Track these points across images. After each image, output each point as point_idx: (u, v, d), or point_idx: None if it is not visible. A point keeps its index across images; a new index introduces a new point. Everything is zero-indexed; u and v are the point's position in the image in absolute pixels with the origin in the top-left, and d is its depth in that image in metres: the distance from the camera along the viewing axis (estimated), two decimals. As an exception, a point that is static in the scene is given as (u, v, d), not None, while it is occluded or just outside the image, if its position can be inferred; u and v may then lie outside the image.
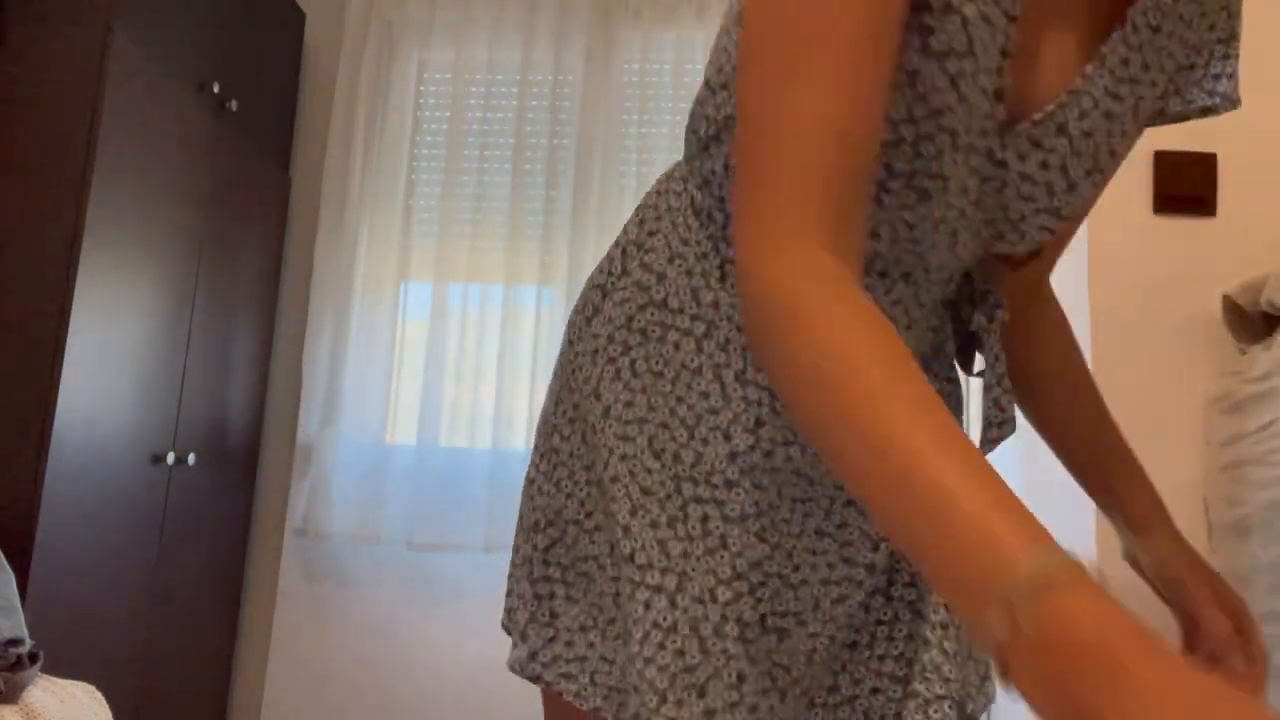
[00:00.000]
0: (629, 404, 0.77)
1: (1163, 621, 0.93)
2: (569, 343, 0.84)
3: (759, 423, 0.73)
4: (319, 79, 3.15)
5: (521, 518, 0.87)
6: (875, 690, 0.77)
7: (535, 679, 0.81)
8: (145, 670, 2.34)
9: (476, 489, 2.75)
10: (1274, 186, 1.53)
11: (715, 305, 0.74)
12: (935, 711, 0.73)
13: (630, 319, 0.78)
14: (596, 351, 0.80)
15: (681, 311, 0.76)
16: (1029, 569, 0.42)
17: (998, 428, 0.78)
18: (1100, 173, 0.70)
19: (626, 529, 0.74)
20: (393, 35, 3.06)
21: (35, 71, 2.13)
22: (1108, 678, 0.39)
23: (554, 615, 0.82)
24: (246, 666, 2.86)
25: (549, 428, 0.85)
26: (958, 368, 0.85)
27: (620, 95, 2.85)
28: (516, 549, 0.86)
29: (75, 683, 1.59)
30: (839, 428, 0.50)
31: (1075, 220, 0.87)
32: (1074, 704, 0.40)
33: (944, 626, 0.76)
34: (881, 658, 0.78)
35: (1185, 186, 1.53)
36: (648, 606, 0.72)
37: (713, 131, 0.74)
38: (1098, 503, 0.92)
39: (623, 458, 0.76)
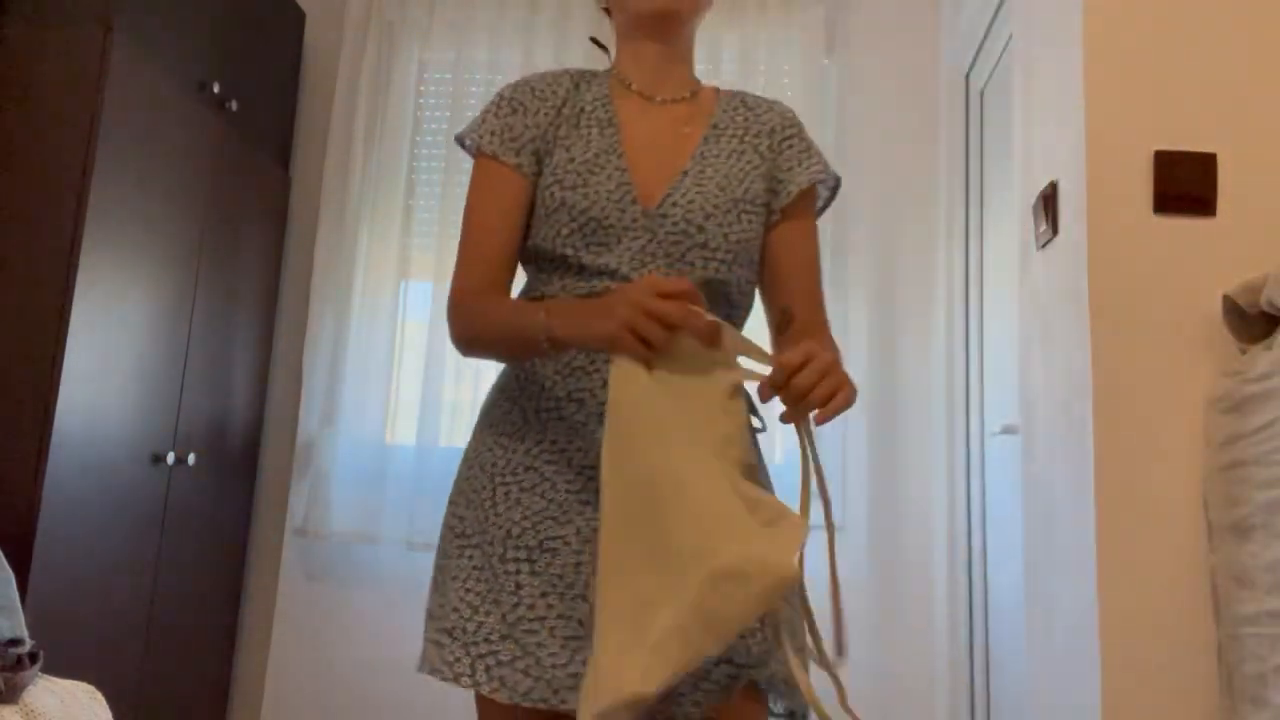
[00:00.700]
0: (477, 437, 1.27)
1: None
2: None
3: (538, 438, 1.19)
4: (319, 79, 3.15)
5: None
6: None
7: None
8: (145, 670, 2.34)
9: (476, 489, 2.75)
10: (1274, 186, 1.53)
11: (518, 374, 1.25)
12: None
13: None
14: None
15: (508, 377, 1.28)
16: (543, 311, 1.09)
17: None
18: (721, 216, 1.21)
19: (461, 518, 1.22)
20: (393, 35, 3.06)
21: (35, 71, 2.13)
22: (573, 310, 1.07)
23: None
24: (246, 666, 2.86)
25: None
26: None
27: (620, 95, 2.85)
28: None
29: (75, 683, 1.59)
30: (492, 329, 1.17)
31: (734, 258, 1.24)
32: (578, 321, 1.05)
33: None
34: None
35: (1185, 186, 1.53)
36: (469, 558, 1.18)
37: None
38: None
39: (465, 474, 1.26)
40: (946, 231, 2.79)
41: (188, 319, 2.48)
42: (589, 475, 1.15)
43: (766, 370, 1.01)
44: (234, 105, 2.66)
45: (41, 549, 1.97)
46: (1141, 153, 1.55)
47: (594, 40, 1.51)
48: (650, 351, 1.00)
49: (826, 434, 2.80)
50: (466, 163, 2.93)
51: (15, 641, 1.56)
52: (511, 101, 1.27)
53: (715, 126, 1.27)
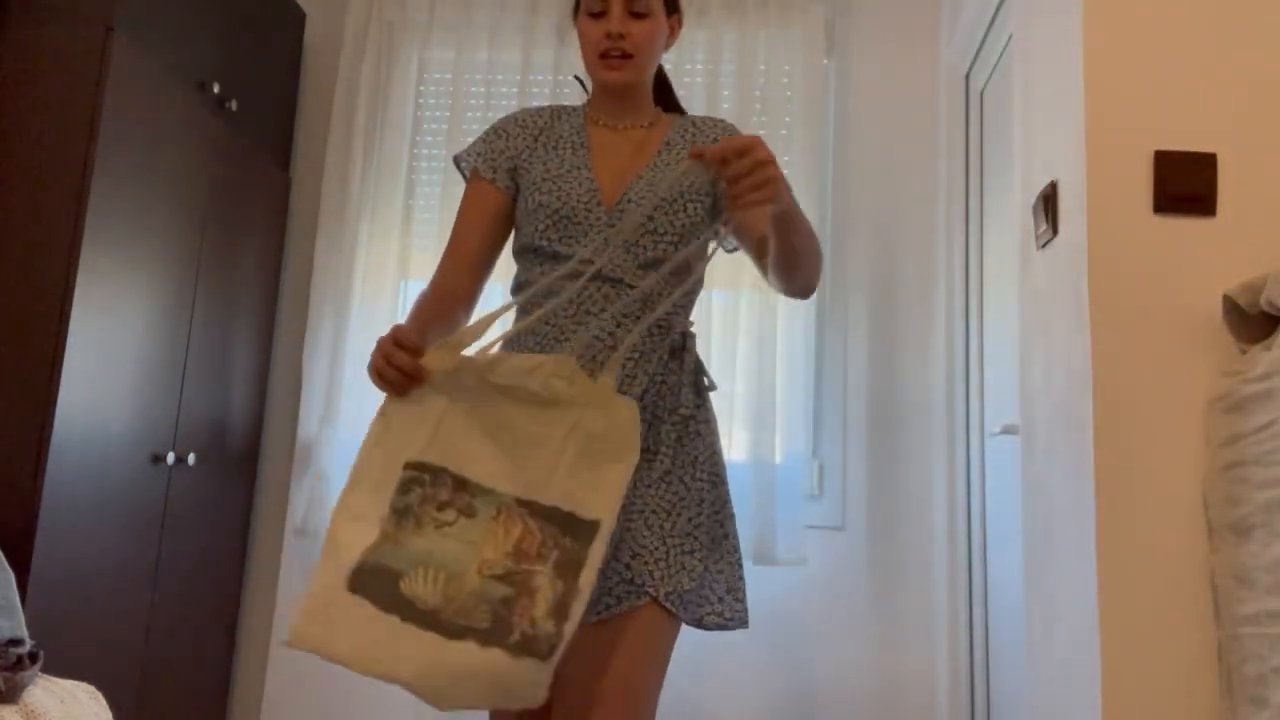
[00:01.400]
0: None
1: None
2: None
3: None
4: (319, 79, 3.15)
5: None
6: None
7: None
8: (145, 670, 2.34)
9: (476, 489, 2.75)
10: (1274, 186, 1.53)
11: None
12: None
13: None
14: None
15: None
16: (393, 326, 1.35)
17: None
18: (668, 207, 1.49)
19: None
20: (393, 35, 3.06)
21: (35, 71, 2.13)
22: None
23: None
24: (246, 666, 2.86)
25: None
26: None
27: (620, 95, 2.85)
28: None
29: (75, 683, 1.58)
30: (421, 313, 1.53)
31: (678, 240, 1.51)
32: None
33: None
34: None
35: (1185, 186, 1.53)
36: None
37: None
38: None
39: None
40: (946, 231, 2.78)
41: (188, 319, 2.48)
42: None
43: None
44: (234, 105, 2.66)
45: (41, 549, 1.97)
46: (1141, 153, 1.55)
47: (578, 79, 1.81)
48: (393, 390, 1.29)
49: (827, 434, 2.80)
50: (466, 163, 2.93)
51: (15, 641, 1.56)
52: (497, 130, 1.60)
53: (668, 143, 1.57)
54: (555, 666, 1.13)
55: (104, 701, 1.59)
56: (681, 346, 1.49)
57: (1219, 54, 1.57)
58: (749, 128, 2.82)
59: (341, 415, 2.82)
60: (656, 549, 1.39)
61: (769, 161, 1.23)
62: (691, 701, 2.67)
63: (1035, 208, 1.80)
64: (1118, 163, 1.55)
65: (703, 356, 1.68)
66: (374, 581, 1.17)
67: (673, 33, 1.61)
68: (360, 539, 1.20)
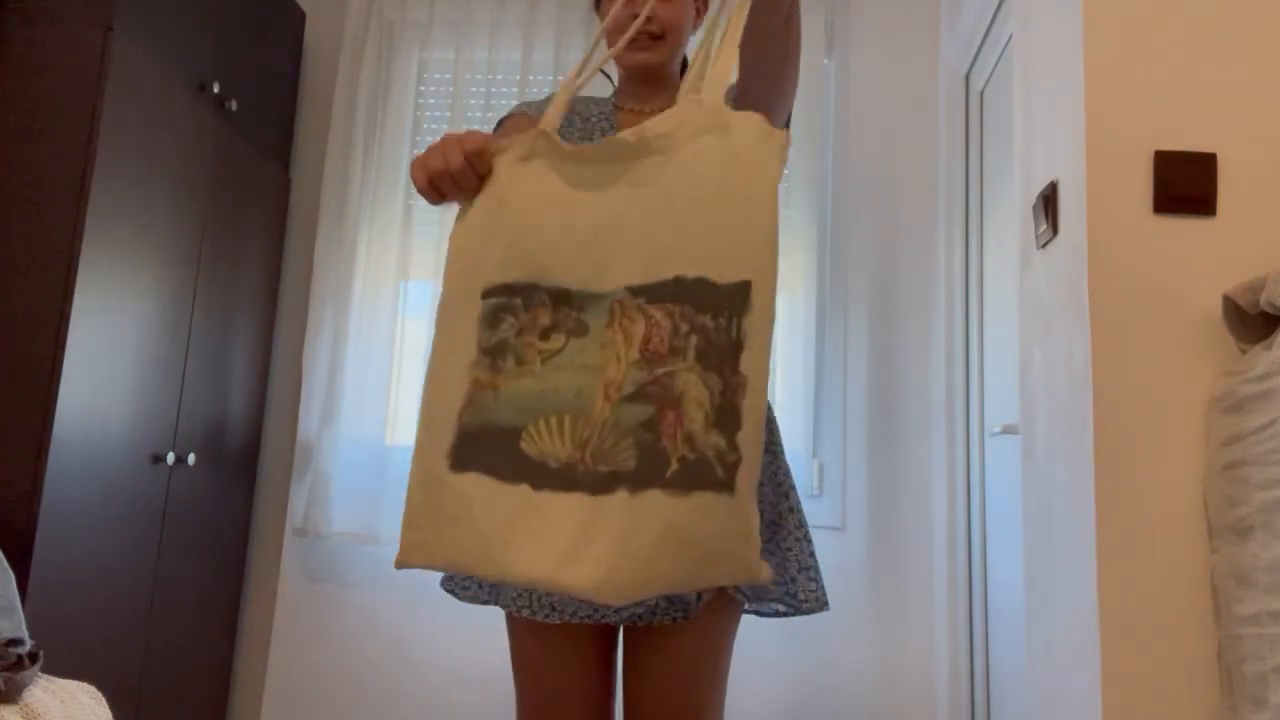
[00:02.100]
0: None
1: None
2: None
3: None
4: (319, 79, 3.15)
5: None
6: None
7: None
8: (145, 670, 2.34)
9: (476, 489, 2.75)
10: (1274, 186, 1.53)
11: None
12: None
13: None
14: None
15: None
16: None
17: None
18: None
19: None
20: (393, 35, 3.06)
21: (35, 72, 2.13)
22: None
23: None
24: (246, 666, 2.86)
25: None
26: None
27: (620, 95, 2.85)
28: None
29: (75, 683, 1.58)
30: None
31: None
32: None
33: None
34: None
35: (1185, 186, 1.53)
36: None
37: None
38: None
39: None
40: (946, 232, 2.78)
41: (188, 319, 2.48)
42: None
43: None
44: (234, 105, 2.66)
45: (41, 549, 1.97)
46: (1141, 153, 1.55)
47: (603, 72, 1.84)
48: (452, 192, 1.01)
49: (827, 434, 2.80)
50: (466, 163, 2.93)
51: (15, 641, 1.56)
52: (509, 119, 1.53)
53: None
54: (754, 506, 0.84)
55: (104, 702, 1.59)
56: None
57: (1219, 54, 1.57)
58: (749, 128, 2.81)
59: (341, 415, 2.82)
60: None
61: None
62: (691, 701, 2.67)
63: (1035, 208, 1.80)
64: (1118, 163, 1.55)
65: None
66: (485, 449, 0.90)
67: (699, 14, 1.57)
68: (452, 401, 0.93)
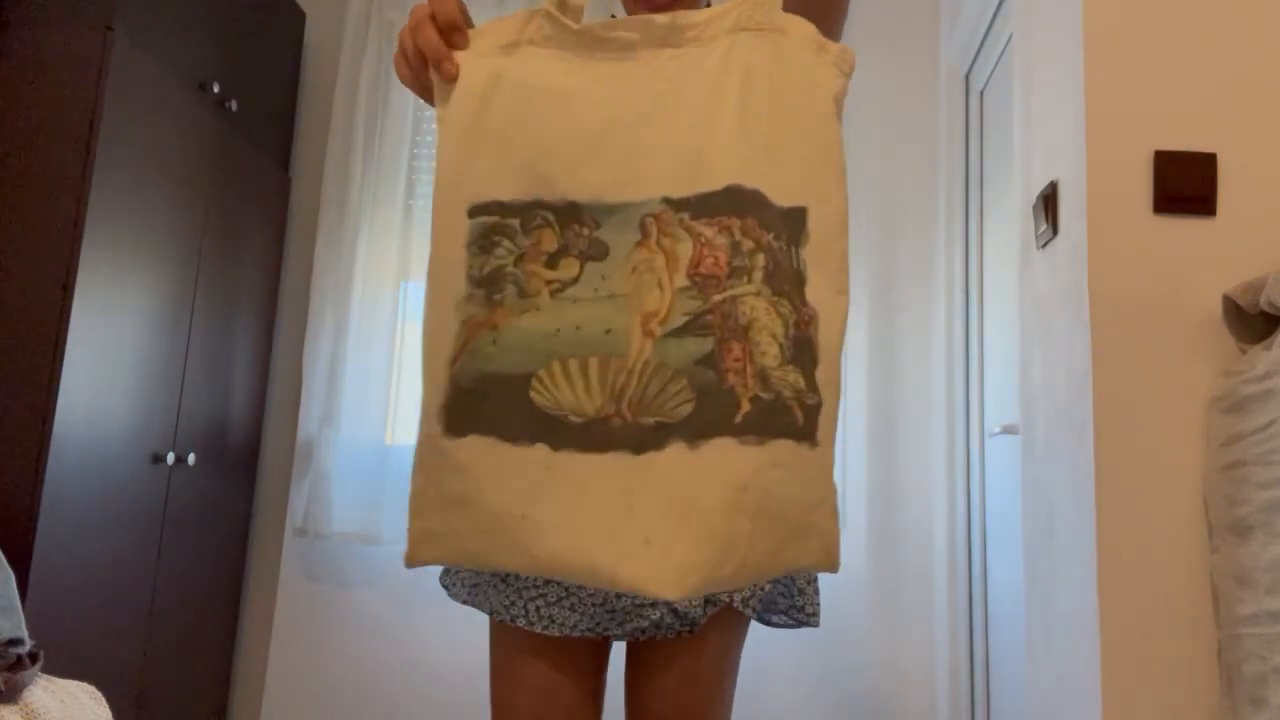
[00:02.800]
0: None
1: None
2: None
3: None
4: (319, 79, 3.15)
5: None
6: None
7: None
8: (145, 670, 2.34)
9: (476, 489, 2.75)
10: (1274, 186, 1.53)
11: None
12: None
13: None
14: None
15: None
16: None
17: None
18: None
19: None
20: (393, 35, 3.06)
21: (35, 72, 2.13)
22: None
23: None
24: (246, 666, 2.86)
25: None
26: None
27: (620, 95, 2.85)
28: None
29: (75, 683, 1.58)
30: None
31: None
32: None
33: None
34: None
35: (1185, 186, 1.53)
36: None
37: None
38: None
39: None
40: (946, 231, 2.78)
41: (188, 319, 2.48)
42: None
43: None
44: (234, 105, 2.66)
45: (41, 549, 1.97)
46: (1141, 153, 1.55)
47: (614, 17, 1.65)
48: (425, 74, 0.82)
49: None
50: (466, 163, 2.93)
51: (15, 641, 1.55)
52: None
53: None
54: (832, 461, 0.70)
55: (104, 702, 1.59)
56: None
57: (1219, 54, 1.57)
58: (749, 128, 2.81)
59: (341, 415, 2.82)
60: None
61: None
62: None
63: (1035, 208, 1.80)
64: (1118, 163, 1.55)
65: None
66: (486, 403, 0.73)
67: None
68: (442, 349, 0.76)
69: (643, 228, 0.73)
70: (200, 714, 2.62)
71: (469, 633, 2.78)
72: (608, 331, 0.71)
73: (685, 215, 0.72)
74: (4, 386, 2.01)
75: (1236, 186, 1.53)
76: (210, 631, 2.65)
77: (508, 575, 1.04)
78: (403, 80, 0.86)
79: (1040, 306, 1.79)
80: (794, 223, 0.73)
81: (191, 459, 2.47)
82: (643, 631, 1.07)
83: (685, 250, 0.71)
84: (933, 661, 2.66)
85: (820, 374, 0.71)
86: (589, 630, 1.06)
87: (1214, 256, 1.51)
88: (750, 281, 0.70)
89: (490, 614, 1.08)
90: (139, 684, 2.32)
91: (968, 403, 2.63)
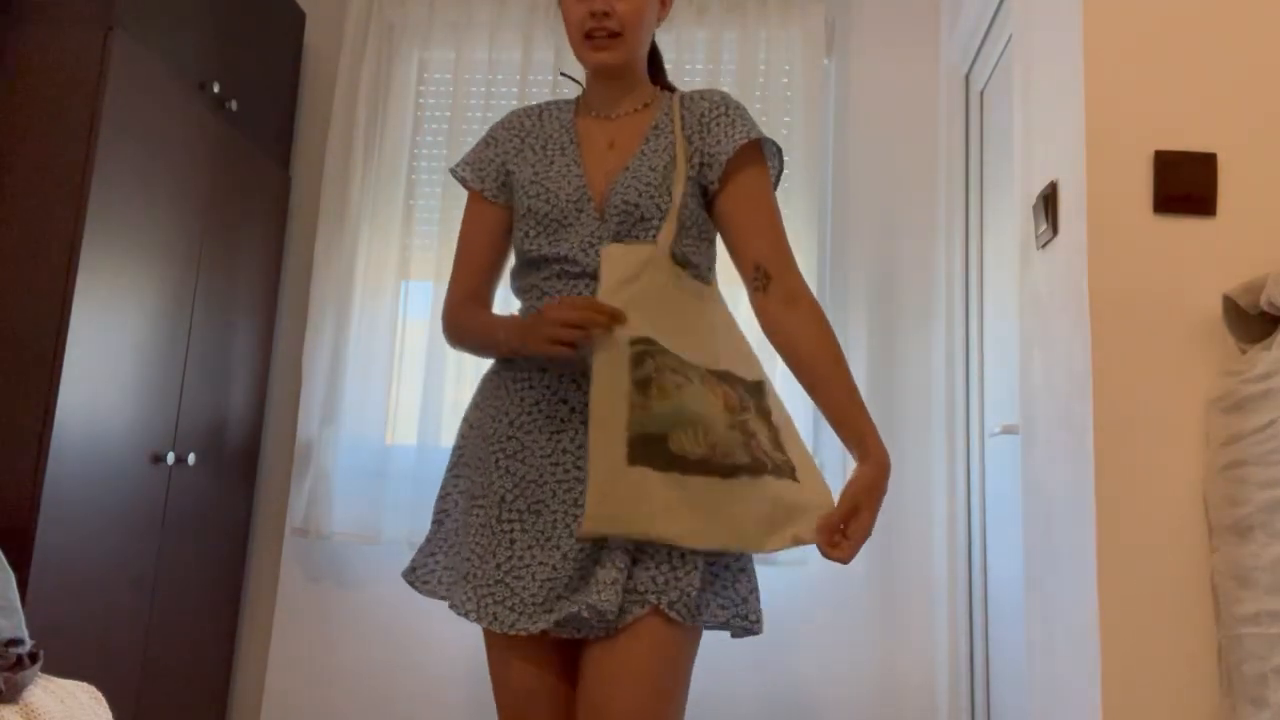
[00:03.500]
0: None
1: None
2: None
3: (518, 409, 1.43)
4: (319, 79, 3.15)
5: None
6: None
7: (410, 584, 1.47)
8: (145, 670, 2.34)
9: (476, 489, 2.75)
10: (1274, 186, 1.53)
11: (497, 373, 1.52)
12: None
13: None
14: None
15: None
16: (501, 331, 1.41)
17: None
18: (654, 191, 1.43)
19: (471, 480, 1.46)
20: (393, 35, 3.06)
21: (35, 72, 2.13)
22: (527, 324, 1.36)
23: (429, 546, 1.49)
24: (246, 666, 2.86)
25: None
26: None
27: (620, 95, 2.85)
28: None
29: (75, 683, 1.58)
30: (469, 339, 1.49)
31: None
32: (520, 342, 1.37)
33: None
34: None
35: (1185, 186, 1.53)
36: (477, 515, 1.41)
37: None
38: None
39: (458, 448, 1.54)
40: (946, 231, 2.78)
41: (188, 319, 2.48)
42: (558, 440, 1.39)
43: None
44: (234, 105, 2.66)
45: (41, 549, 1.97)
46: (1141, 153, 1.55)
47: (565, 74, 1.81)
48: (571, 349, 1.30)
49: (827, 434, 2.79)
50: (466, 163, 2.93)
51: (15, 641, 1.55)
52: (486, 138, 1.56)
53: (655, 128, 1.48)
54: (811, 492, 1.33)
55: (104, 701, 1.59)
56: None
57: (1219, 54, 1.57)
58: (749, 128, 2.81)
59: (341, 415, 2.82)
60: (658, 550, 1.30)
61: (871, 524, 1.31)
62: (690, 703, 2.67)
63: (1035, 208, 1.80)
64: (1118, 163, 1.55)
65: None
66: (646, 449, 1.28)
67: (664, 6, 1.51)
68: (617, 418, 1.30)
69: (701, 377, 1.35)
70: (200, 714, 2.62)
71: (468, 632, 2.78)
72: (702, 414, 1.33)
73: (714, 378, 1.36)
74: (4, 386, 2.01)
75: (1236, 186, 1.53)
76: (210, 631, 2.65)
77: (469, 573, 1.38)
78: (566, 357, 1.34)
79: (1040, 306, 1.79)
80: (757, 389, 1.42)
81: (191, 459, 2.47)
82: (561, 625, 1.32)
83: (720, 390, 1.36)
84: (933, 661, 2.66)
85: (787, 457, 1.37)
86: (524, 629, 1.33)
87: (1214, 256, 1.51)
88: (749, 414, 1.37)
89: (450, 606, 1.39)
90: (139, 684, 2.32)
91: (968, 403, 2.63)
